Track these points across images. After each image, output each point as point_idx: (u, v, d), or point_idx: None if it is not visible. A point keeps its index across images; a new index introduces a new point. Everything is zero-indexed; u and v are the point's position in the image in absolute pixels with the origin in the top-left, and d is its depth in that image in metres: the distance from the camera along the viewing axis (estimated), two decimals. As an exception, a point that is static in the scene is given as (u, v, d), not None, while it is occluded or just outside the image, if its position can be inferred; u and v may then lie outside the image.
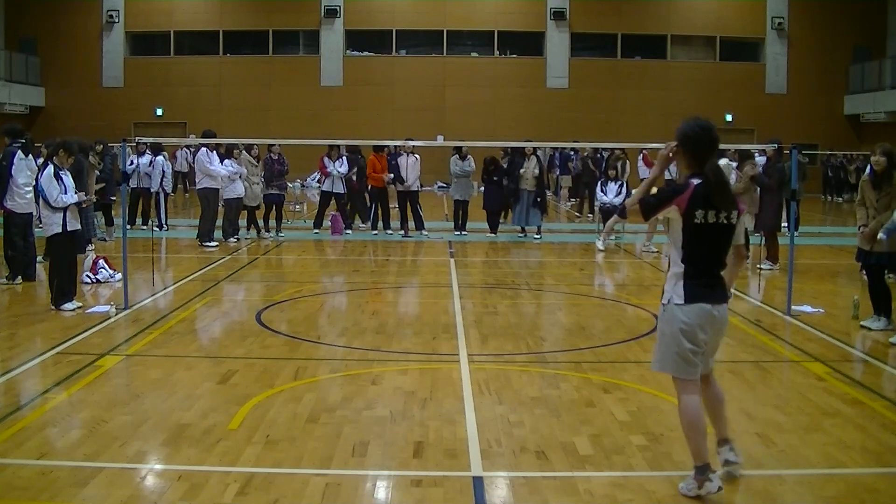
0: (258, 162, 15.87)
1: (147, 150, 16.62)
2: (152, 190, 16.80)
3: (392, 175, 16.90)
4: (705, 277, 4.67)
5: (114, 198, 15.39)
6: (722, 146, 16.99)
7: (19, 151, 10.74)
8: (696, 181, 4.60)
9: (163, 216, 17.04)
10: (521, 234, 16.85)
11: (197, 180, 15.42)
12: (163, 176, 16.94)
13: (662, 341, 4.79)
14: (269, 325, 8.81)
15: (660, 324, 4.83)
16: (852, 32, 32.09)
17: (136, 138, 13.40)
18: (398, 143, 16.87)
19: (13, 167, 10.60)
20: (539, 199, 16.46)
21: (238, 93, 32.27)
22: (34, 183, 10.09)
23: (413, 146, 16.78)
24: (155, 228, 16.47)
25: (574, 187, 21.96)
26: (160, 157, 16.90)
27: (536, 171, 16.51)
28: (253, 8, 32.59)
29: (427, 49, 33.40)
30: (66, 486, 4.67)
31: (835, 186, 30.14)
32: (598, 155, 23.98)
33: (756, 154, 14.69)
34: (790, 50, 32.67)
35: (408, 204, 17.03)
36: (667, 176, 25.70)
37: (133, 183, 16.60)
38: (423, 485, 4.79)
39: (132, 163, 16.56)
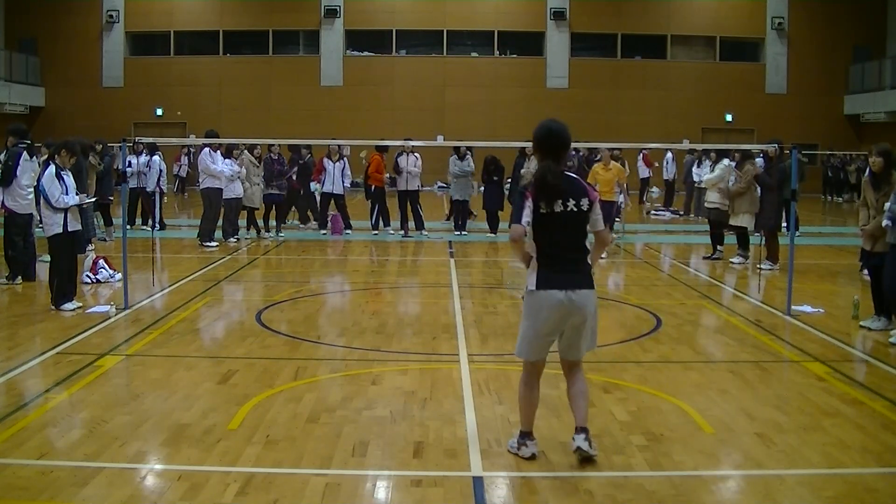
0: (259, 162, 15.88)
1: (144, 150, 16.61)
2: (148, 189, 16.74)
3: (389, 175, 16.91)
4: (558, 264, 4.95)
5: (112, 198, 15.40)
6: (722, 146, 16.72)
7: (24, 152, 10.75)
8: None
9: (157, 215, 17.02)
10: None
11: (200, 180, 15.43)
12: (160, 175, 16.94)
13: (522, 324, 5.16)
14: (269, 325, 8.81)
15: (523, 309, 5.16)
16: (852, 32, 32.10)
17: (136, 138, 13.38)
18: (398, 142, 16.86)
19: (18, 168, 10.61)
20: None
21: (238, 93, 32.28)
22: (35, 184, 10.10)
23: (413, 146, 16.78)
24: (147, 228, 16.50)
25: None
26: (156, 157, 16.89)
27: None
28: (253, 8, 32.59)
29: (427, 49, 33.40)
30: (66, 486, 4.67)
31: (835, 186, 30.15)
32: (595, 157, 23.95)
33: (757, 154, 14.69)
34: (790, 50, 32.68)
35: (408, 204, 17.03)
36: (665, 176, 25.67)
37: (132, 183, 16.57)
38: (423, 485, 4.80)
39: (129, 164, 16.55)
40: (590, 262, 5.10)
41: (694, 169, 20.02)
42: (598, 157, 14.49)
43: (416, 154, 17.13)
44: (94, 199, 12.32)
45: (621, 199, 14.07)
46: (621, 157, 18.87)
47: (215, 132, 15.70)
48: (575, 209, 4.92)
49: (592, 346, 5.22)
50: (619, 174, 13.92)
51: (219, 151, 15.12)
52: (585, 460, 5.03)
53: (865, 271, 10.61)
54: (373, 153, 17.17)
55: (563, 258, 4.95)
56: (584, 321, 5.03)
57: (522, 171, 16.49)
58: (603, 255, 14.15)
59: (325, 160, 16.83)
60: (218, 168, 14.88)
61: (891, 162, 8.59)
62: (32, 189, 10.66)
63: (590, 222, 5.01)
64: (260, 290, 11.50)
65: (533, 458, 5.09)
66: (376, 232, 17.12)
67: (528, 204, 4.88)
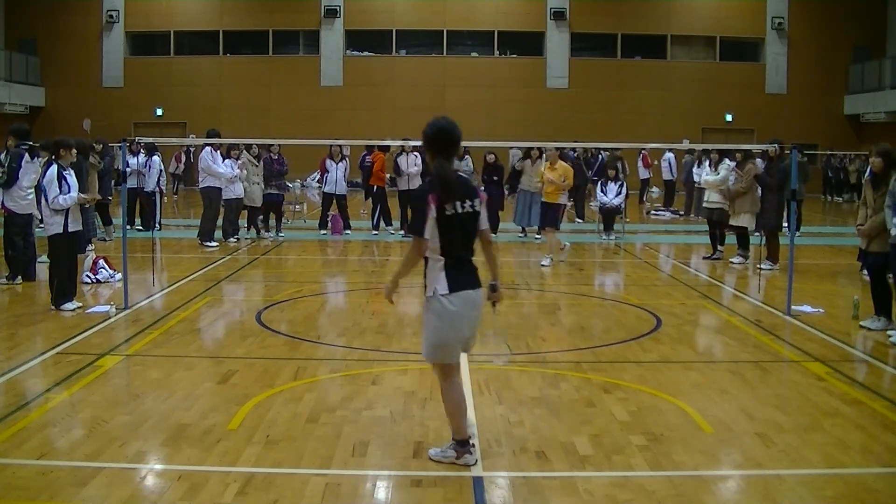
0: (259, 162, 15.87)
1: (141, 150, 16.60)
2: (146, 189, 16.69)
3: (389, 175, 16.91)
4: (463, 265, 4.97)
5: (110, 198, 15.39)
6: (722, 146, 16.66)
7: (27, 154, 10.76)
8: None
9: (157, 216, 17.02)
10: (521, 235, 16.85)
11: (199, 179, 15.43)
12: (160, 175, 16.92)
13: (431, 331, 4.97)
14: (269, 325, 8.81)
15: (426, 315, 4.99)
16: (852, 32, 32.10)
17: (136, 138, 13.38)
18: (397, 142, 16.87)
19: (21, 169, 10.61)
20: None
21: (238, 93, 32.27)
22: (36, 184, 10.10)
23: (412, 146, 16.78)
24: (139, 228, 16.50)
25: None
26: (156, 157, 16.87)
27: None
28: (253, 8, 32.59)
29: (427, 49, 33.40)
30: (66, 486, 4.67)
31: (835, 186, 30.15)
32: (592, 157, 23.86)
33: (758, 154, 14.69)
34: (790, 50, 32.68)
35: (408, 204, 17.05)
36: (668, 176, 25.59)
37: (130, 183, 16.55)
38: (423, 485, 4.80)
39: (127, 164, 16.52)
40: (489, 263, 5.14)
41: (694, 169, 20.01)
42: (544, 155, 13.73)
43: (415, 154, 17.13)
44: (93, 198, 12.29)
45: (564, 199, 13.51)
46: (620, 156, 18.85)
47: (217, 132, 15.69)
48: (471, 210, 4.94)
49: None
50: (566, 174, 13.28)
51: (219, 151, 15.12)
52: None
53: (865, 271, 10.61)
54: (377, 153, 17.14)
55: (464, 258, 5.00)
56: (477, 320, 5.12)
57: (516, 164, 16.57)
58: (562, 258, 13.41)
59: (328, 161, 16.84)
60: (220, 169, 14.89)
61: (890, 162, 8.61)
62: (33, 189, 10.67)
63: (479, 221, 5.05)
64: (260, 290, 11.50)
65: (476, 463, 5.00)
66: (376, 232, 17.12)
67: (432, 211, 4.82)
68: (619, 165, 19.96)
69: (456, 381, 5.09)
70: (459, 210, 4.89)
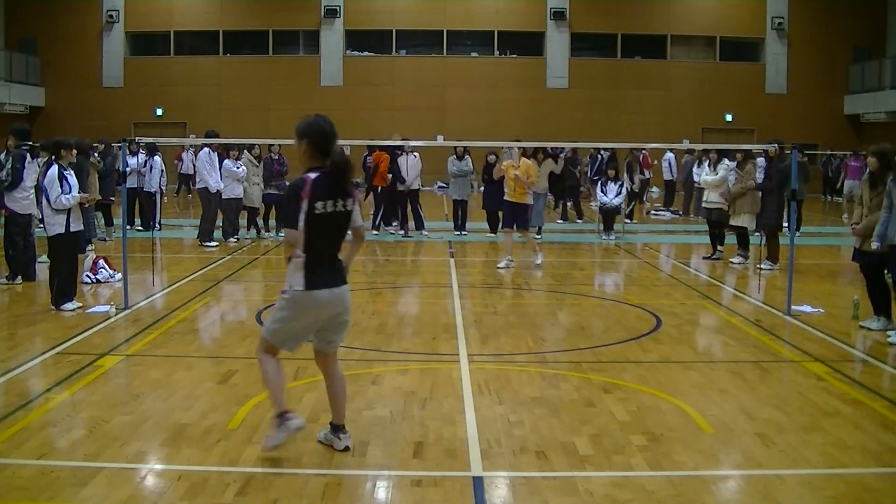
0: (259, 163, 15.87)
1: (140, 150, 16.60)
2: (145, 189, 16.68)
3: (391, 175, 16.90)
4: (325, 264, 5.01)
5: (113, 198, 15.40)
6: (722, 146, 16.60)
7: (28, 155, 10.77)
8: (313, 175, 4.96)
9: (157, 216, 17.01)
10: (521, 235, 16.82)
11: (197, 180, 15.44)
12: (161, 176, 16.92)
13: (278, 317, 5.07)
14: (269, 325, 8.79)
15: (278, 303, 5.11)
16: (852, 32, 32.09)
17: (137, 138, 13.38)
18: (397, 142, 16.85)
19: (24, 170, 10.62)
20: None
21: (238, 93, 32.27)
22: (36, 184, 10.10)
23: (412, 146, 16.78)
24: (139, 228, 16.49)
25: (554, 190, 20.66)
26: (157, 157, 16.87)
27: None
28: (253, 8, 32.58)
29: (427, 49, 33.39)
30: (66, 486, 4.67)
31: (835, 186, 30.10)
32: (592, 157, 23.79)
33: (759, 154, 14.67)
34: (790, 50, 32.67)
35: (408, 204, 17.03)
36: (666, 177, 25.53)
37: (130, 183, 16.54)
38: (423, 485, 4.80)
39: (127, 164, 16.49)
40: (347, 257, 5.20)
41: (694, 169, 20.01)
42: (506, 154, 13.32)
43: (415, 154, 17.13)
44: (93, 198, 12.28)
45: (530, 199, 13.32)
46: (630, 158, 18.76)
47: (215, 132, 15.70)
48: (343, 209, 5.00)
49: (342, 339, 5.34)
50: (529, 172, 13.06)
51: (217, 152, 15.12)
52: (345, 449, 5.20)
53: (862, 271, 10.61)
54: (382, 154, 17.10)
55: (328, 257, 5.05)
56: (337, 318, 5.15)
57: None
58: (537, 261, 13.04)
59: None
60: (233, 171, 14.98)
61: (887, 163, 8.63)
62: (33, 190, 10.67)
63: (351, 219, 5.10)
64: (260, 290, 11.50)
65: (302, 427, 5.09)
66: (376, 232, 17.12)
67: (304, 206, 4.89)
68: (629, 164, 19.91)
69: (271, 359, 5.15)
70: (331, 209, 4.94)
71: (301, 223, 4.90)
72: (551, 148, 18.43)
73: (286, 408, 5.11)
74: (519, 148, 13.34)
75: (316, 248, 4.97)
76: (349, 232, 5.19)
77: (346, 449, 5.21)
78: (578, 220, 20.29)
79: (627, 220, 19.35)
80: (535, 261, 13.14)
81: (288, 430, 5.05)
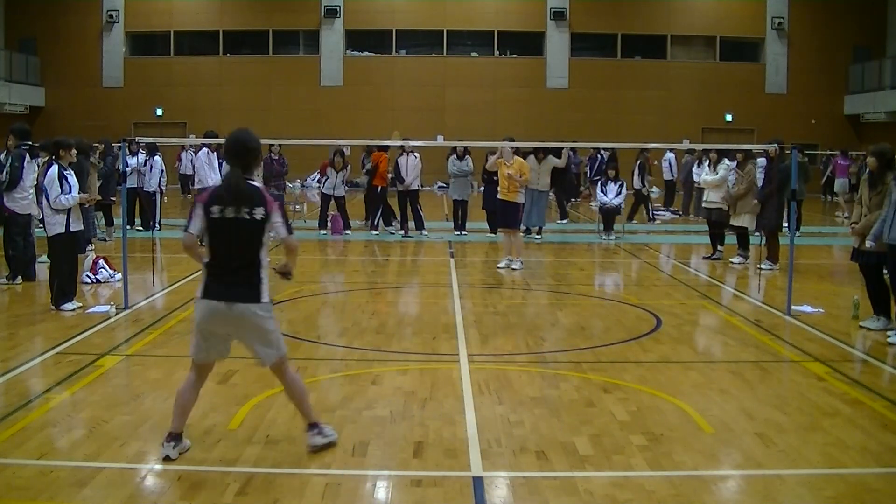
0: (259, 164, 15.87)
1: (140, 150, 16.59)
2: (145, 189, 16.65)
3: (391, 175, 16.92)
4: (224, 274, 5.00)
5: (114, 198, 15.40)
6: (722, 146, 16.56)
7: (27, 154, 10.77)
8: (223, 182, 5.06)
9: (157, 215, 17.00)
10: (524, 234, 16.83)
11: (196, 180, 15.43)
12: (161, 176, 16.91)
13: (193, 328, 5.14)
14: (269, 325, 8.79)
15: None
16: (852, 32, 32.11)
17: (137, 138, 13.37)
18: (397, 142, 16.86)
19: (24, 170, 10.62)
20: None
21: (238, 93, 32.27)
22: (36, 184, 10.09)
23: (412, 146, 16.78)
24: (139, 228, 16.48)
25: (558, 186, 20.52)
26: (157, 157, 16.86)
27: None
28: (253, 8, 32.59)
29: (427, 49, 33.40)
30: (66, 486, 4.67)
31: (835, 186, 30.08)
32: (591, 157, 23.77)
33: (760, 154, 14.67)
34: (790, 50, 32.68)
35: (408, 204, 17.04)
36: (666, 177, 25.53)
37: (130, 183, 16.52)
38: (423, 485, 4.80)
39: (126, 164, 16.47)
40: (264, 274, 5.01)
41: (694, 169, 20.00)
42: (498, 151, 13.25)
43: (415, 154, 17.14)
44: (93, 199, 12.27)
45: (522, 198, 13.24)
46: (644, 158, 18.74)
47: (215, 133, 15.69)
48: (247, 217, 4.90)
49: (276, 355, 5.18)
50: (522, 169, 12.76)
51: (216, 153, 15.11)
52: (323, 448, 5.18)
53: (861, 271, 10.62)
54: (381, 154, 17.11)
55: (228, 268, 4.98)
56: (246, 334, 5.08)
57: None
58: (515, 266, 12.76)
59: (329, 169, 16.93)
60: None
61: (885, 163, 8.64)
62: (32, 190, 10.66)
63: (273, 231, 5.00)
64: (260, 290, 11.47)
65: (168, 459, 4.97)
66: (376, 232, 17.12)
67: (199, 211, 4.93)
68: (639, 165, 19.83)
69: (190, 377, 5.17)
70: (228, 215, 4.89)
71: (196, 228, 4.96)
72: (552, 148, 18.40)
73: (180, 430, 5.09)
74: (511, 148, 13.27)
75: (215, 256, 4.99)
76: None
77: (312, 448, 5.18)
78: (562, 221, 19.92)
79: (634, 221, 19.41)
80: (512, 265, 12.76)
81: (171, 452, 5.00)
